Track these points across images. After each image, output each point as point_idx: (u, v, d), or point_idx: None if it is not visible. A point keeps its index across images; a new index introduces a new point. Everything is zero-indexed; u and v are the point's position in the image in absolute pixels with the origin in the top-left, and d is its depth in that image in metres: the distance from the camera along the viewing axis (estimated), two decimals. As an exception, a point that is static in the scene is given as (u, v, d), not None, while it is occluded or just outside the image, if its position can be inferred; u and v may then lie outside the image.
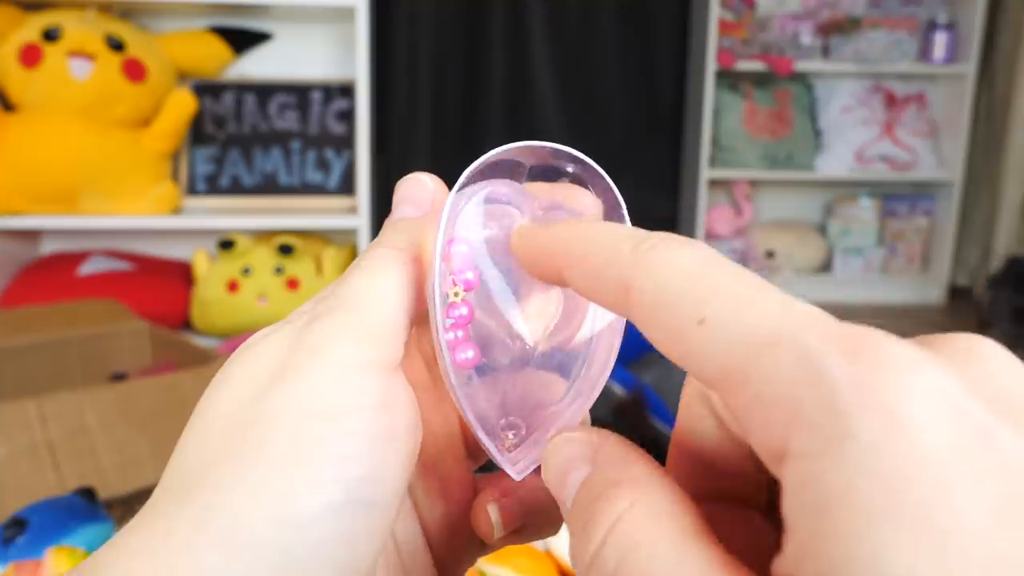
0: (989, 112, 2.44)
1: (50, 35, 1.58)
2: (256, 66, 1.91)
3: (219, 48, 1.82)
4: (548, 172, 0.22)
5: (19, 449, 0.79)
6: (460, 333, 0.20)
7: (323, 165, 1.88)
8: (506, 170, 0.22)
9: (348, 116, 1.89)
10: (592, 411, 0.24)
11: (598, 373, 0.22)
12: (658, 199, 2.38)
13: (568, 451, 0.17)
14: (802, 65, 2.28)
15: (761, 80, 2.37)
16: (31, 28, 1.59)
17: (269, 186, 1.86)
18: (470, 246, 0.21)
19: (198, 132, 1.83)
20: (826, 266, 2.45)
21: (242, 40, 1.86)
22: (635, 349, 1.00)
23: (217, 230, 1.77)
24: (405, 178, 0.23)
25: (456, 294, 0.20)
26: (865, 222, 2.43)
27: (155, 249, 1.94)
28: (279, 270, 1.68)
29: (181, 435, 0.18)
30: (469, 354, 0.20)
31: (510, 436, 0.21)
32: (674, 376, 1.00)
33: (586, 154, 0.21)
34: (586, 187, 0.22)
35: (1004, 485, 0.11)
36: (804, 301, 0.14)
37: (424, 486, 0.23)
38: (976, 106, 2.39)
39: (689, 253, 0.15)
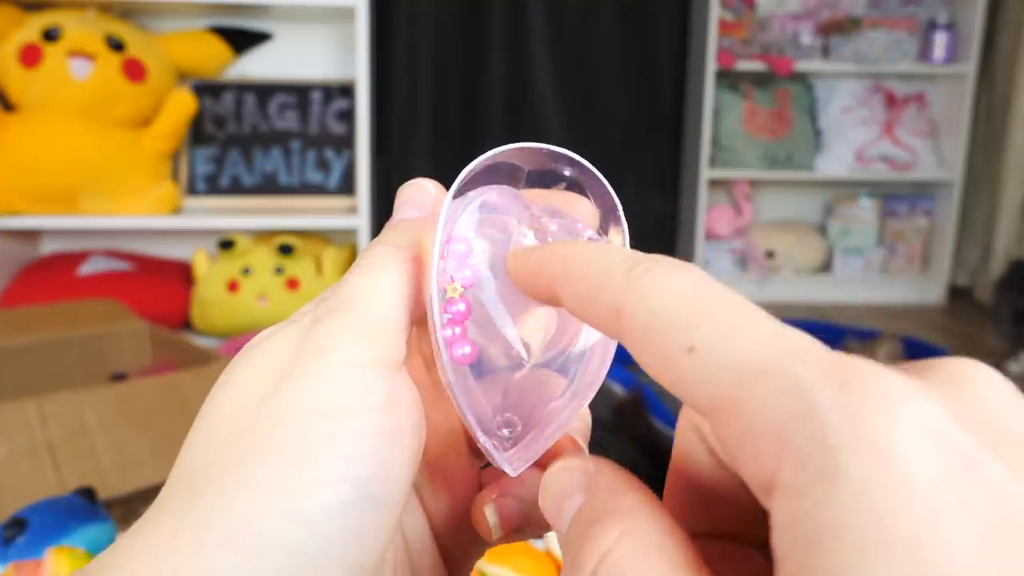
0: (989, 112, 2.44)
1: (50, 35, 1.58)
2: (256, 66, 1.91)
3: (219, 48, 1.82)
4: (546, 176, 0.22)
5: (19, 449, 0.79)
6: (458, 330, 0.20)
7: (323, 165, 1.88)
8: (504, 174, 0.22)
9: (348, 116, 1.89)
10: (592, 411, 0.24)
11: (595, 371, 0.22)
12: (658, 199, 2.38)
13: (565, 479, 0.17)
14: (802, 65, 2.28)
15: (761, 80, 2.37)
16: (31, 28, 1.60)
17: (269, 186, 1.86)
18: (468, 246, 0.21)
19: (198, 132, 1.83)
20: (826, 266, 2.45)
21: (242, 40, 1.86)
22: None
23: (217, 230, 1.77)
24: (407, 183, 0.23)
25: (454, 290, 0.20)
26: (865, 222, 2.43)
27: (155, 249, 1.94)
28: (279, 270, 1.68)
29: (187, 435, 0.18)
30: (466, 350, 0.20)
31: (506, 432, 0.21)
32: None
33: (586, 154, 0.21)
34: (583, 190, 0.22)
35: (991, 515, 0.11)
36: (795, 329, 0.14)
37: (429, 483, 0.23)
38: (976, 106, 2.39)
39: (681, 278, 0.15)
